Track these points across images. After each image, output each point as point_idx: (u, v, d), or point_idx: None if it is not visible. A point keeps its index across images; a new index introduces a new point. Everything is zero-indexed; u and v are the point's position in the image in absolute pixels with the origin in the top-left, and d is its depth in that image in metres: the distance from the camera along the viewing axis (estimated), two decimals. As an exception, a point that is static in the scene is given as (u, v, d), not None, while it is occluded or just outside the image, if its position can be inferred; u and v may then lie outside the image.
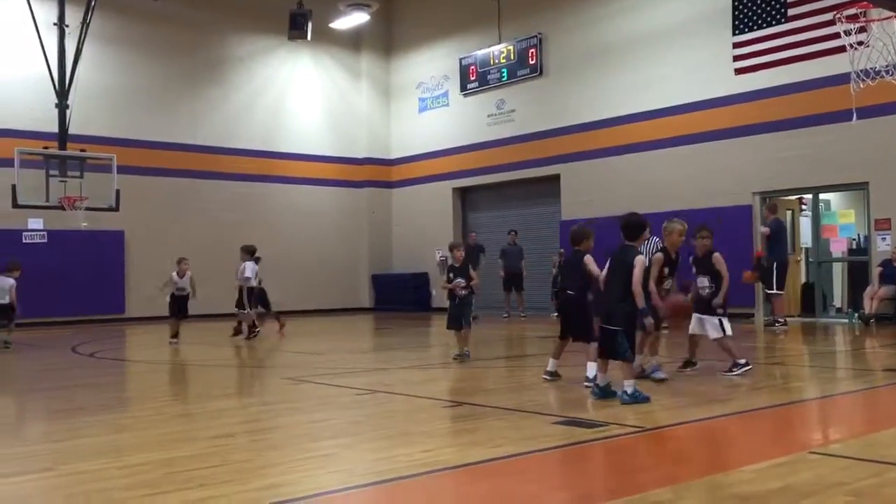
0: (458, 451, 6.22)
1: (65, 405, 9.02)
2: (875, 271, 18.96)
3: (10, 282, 16.88)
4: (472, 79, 29.05)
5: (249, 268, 17.41)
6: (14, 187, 20.18)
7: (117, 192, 21.52)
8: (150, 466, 5.86)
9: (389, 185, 31.40)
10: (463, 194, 29.40)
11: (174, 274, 17.10)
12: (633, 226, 8.83)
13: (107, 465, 5.95)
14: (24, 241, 24.11)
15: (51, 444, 6.86)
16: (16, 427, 8.02)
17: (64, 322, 23.66)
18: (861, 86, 15.73)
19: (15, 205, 20.62)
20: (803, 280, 21.68)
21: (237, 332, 17.78)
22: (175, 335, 16.87)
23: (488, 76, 28.54)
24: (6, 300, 16.72)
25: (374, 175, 31.47)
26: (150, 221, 26.71)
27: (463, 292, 12.65)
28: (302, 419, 7.74)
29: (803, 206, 22.07)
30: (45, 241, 24.52)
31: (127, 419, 8.02)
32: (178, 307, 17.10)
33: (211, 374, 11.81)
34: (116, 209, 21.82)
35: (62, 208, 21.06)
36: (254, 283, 17.47)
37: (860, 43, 15.94)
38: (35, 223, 24.03)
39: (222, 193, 27.71)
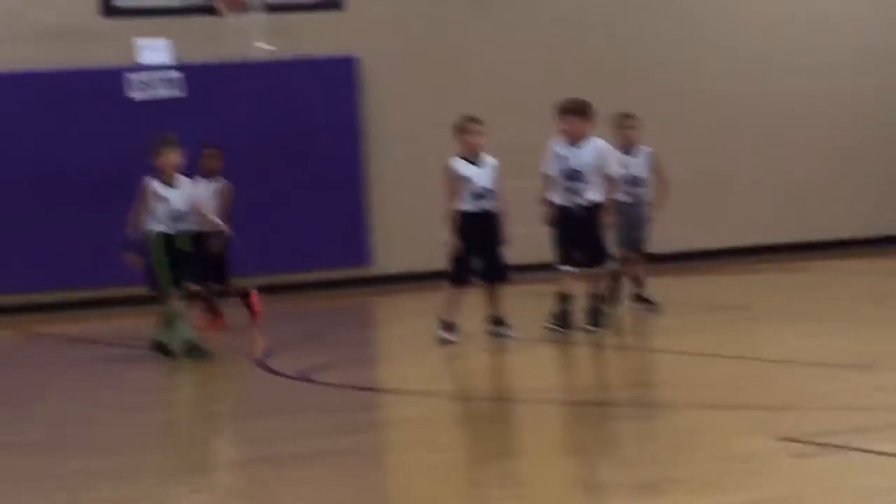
0: None
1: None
2: None
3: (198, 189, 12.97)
4: None
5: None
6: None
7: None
8: None
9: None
10: None
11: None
12: None
13: None
14: (127, 91, 17.55)
15: None
16: None
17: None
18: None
19: (107, 9, 17.49)
20: None
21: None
22: (497, 320, 11.92)
23: None
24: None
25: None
26: (420, 34, 18.13)
27: None
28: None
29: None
30: (182, 92, 17.89)
31: None
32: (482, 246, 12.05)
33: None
34: (338, 5, 18.17)
35: (213, 10, 17.55)
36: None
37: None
38: (153, 51, 17.89)
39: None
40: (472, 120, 11.60)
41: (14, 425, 8.91)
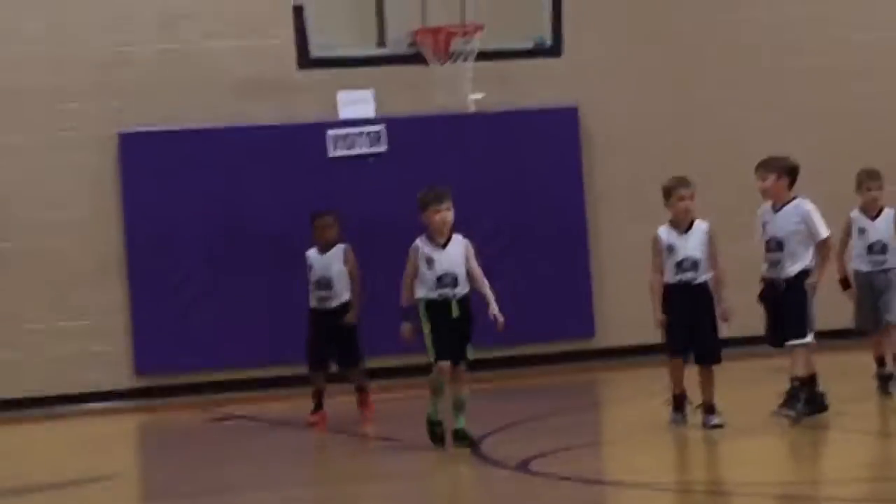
0: None
1: None
2: None
3: (336, 262, 13.70)
4: None
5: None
6: (300, 11, 16.15)
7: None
8: None
9: None
10: None
11: None
12: None
13: None
14: (329, 152, 17.70)
15: None
16: None
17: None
18: None
19: (305, 60, 16.45)
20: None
21: None
22: (707, 407, 11.52)
23: None
24: (342, 298, 13.50)
25: None
26: (647, 82, 18.63)
27: None
28: None
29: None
30: (384, 147, 17.80)
31: None
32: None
33: None
34: (555, 52, 17.06)
35: (420, 59, 16.73)
36: None
37: None
38: (353, 105, 18.00)
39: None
40: (681, 183, 11.19)
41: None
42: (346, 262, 13.60)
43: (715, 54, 18.52)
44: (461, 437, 10.83)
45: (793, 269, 11.07)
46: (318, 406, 13.41)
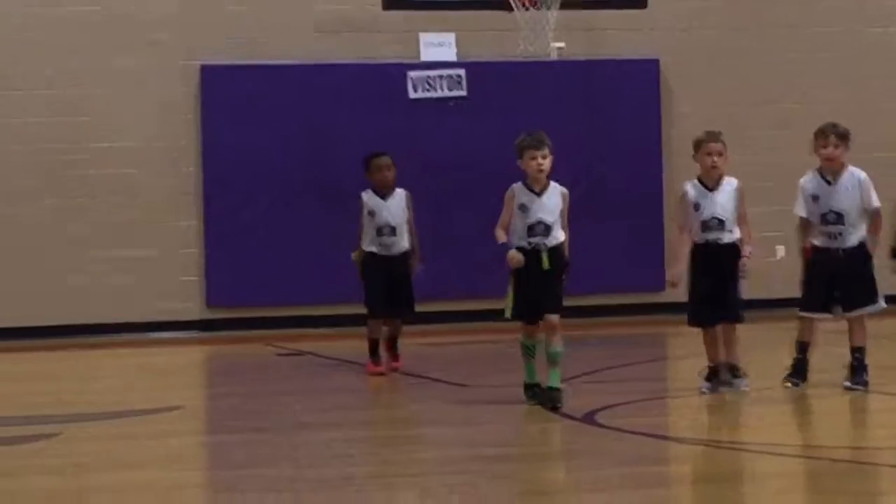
0: None
1: None
2: None
3: (398, 206, 13.12)
4: None
5: None
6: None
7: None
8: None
9: None
10: None
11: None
12: None
13: None
14: (410, 94, 17.89)
15: None
16: None
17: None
18: None
19: (389, 1, 17.16)
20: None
21: None
22: (731, 368, 11.38)
23: None
24: (404, 245, 12.99)
25: None
26: (729, 40, 18.64)
27: None
28: None
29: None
30: (464, 92, 17.81)
31: None
32: None
33: None
34: (640, 3, 17.76)
35: (504, 5, 17.18)
36: None
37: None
38: (435, 48, 18.10)
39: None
40: (711, 137, 10.79)
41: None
42: (409, 207, 13.16)
43: (798, 12, 18.47)
44: (551, 400, 10.36)
45: (855, 238, 10.81)
46: (379, 356, 13.09)
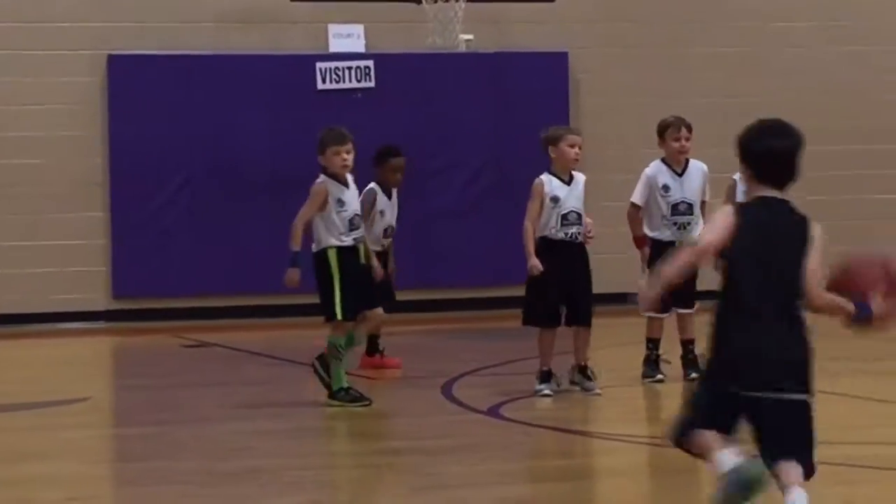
0: None
1: None
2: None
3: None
4: None
5: None
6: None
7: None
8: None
9: None
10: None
11: None
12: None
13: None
14: (318, 84, 17.57)
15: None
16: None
17: (423, 303, 15.73)
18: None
19: None
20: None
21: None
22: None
23: None
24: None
25: None
26: (636, 33, 18.59)
27: None
28: None
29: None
30: (372, 83, 17.74)
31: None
32: None
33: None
34: None
35: None
36: None
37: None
38: (343, 39, 18.08)
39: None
40: (570, 131, 10.89)
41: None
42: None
43: (708, 6, 18.58)
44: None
45: (696, 231, 10.68)
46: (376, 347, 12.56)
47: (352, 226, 10.39)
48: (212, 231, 16.90)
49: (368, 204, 11.80)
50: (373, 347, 12.37)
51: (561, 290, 10.53)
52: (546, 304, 10.62)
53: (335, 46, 17.47)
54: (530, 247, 10.50)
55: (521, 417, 9.89)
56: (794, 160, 5.73)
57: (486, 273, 16.27)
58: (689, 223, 10.81)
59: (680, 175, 10.90)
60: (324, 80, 17.69)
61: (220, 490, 7.53)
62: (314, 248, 10.44)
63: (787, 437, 5.63)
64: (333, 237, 10.29)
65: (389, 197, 12.24)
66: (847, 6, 18.61)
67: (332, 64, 17.37)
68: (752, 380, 5.52)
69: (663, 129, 11.03)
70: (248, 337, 15.55)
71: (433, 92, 17.64)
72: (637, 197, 10.91)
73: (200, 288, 16.77)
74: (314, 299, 10.85)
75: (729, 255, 5.55)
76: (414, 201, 16.85)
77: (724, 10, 18.37)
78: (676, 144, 11.01)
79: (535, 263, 10.35)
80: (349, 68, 17.49)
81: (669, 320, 11.00)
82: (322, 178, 10.56)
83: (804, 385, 5.57)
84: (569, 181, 10.49)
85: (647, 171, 11.00)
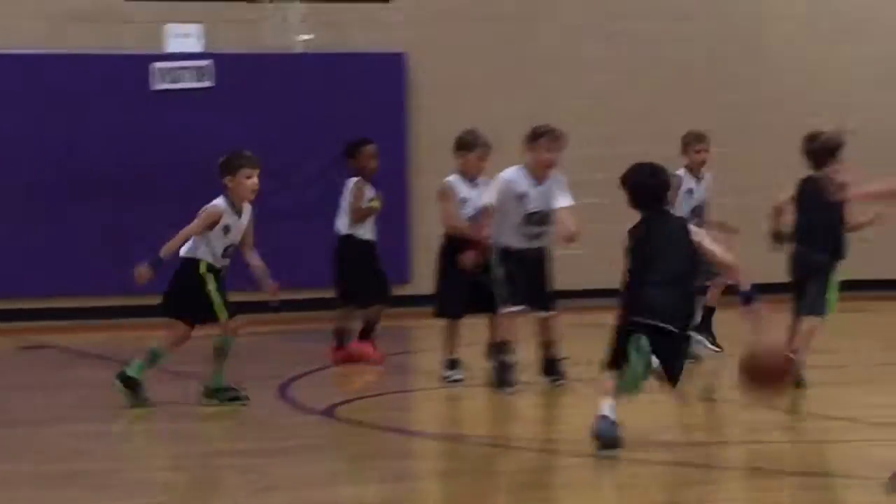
0: None
1: None
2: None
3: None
4: None
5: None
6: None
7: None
8: None
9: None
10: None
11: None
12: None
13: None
14: (152, 84, 17.41)
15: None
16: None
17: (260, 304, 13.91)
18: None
19: None
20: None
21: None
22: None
23: None
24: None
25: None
26: (475, 33, 18.63)
27: None
28: None
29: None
30: (210, 83, 17.59)
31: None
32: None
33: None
34: None
35: None
36: None
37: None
38: (180, 38, 17.87)
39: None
40: (478, 139, 11.21)
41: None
42: None
43: (543, 7, 18.66)
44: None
45: (549, 239, 10.98)
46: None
47: (225, 253, 10.44)
48: (50, 231, 16.65)
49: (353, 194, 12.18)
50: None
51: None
52: (457, 297, 11.18)
53: (173, 46, 17.41)
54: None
55: (357, 418, 9.98)
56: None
57: (323, 274, 16.31)
58: (542, 233, 10.83)
59: (539, 184, 10.78)
60: (161, 81, 17.56)
61: (54, 493, 7.50)
62: (184, 252, 10.39)
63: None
64: (209, 255, 10.32)
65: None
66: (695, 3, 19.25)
67: (169, 64, 17.30)
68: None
69: (536, 137, 10.82)
70: (88, 338, 15.43)
71: (272, 92, 17.65)
72: (490, 198, 10.81)
73: (38, 289, 16.60)
74: (155, 300, 10.85)
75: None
76: (252, 202, 16.88)
77: (561, 8, 18.58)
78: (548, 156, 10.85)
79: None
80: (187, 68, 17.43)
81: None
82: (221, 202, 10.46)
83: None
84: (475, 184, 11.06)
85: (505, 176, 10.84)
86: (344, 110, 17.81)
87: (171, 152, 16.91)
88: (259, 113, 17.52)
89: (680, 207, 11.89)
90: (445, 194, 11.29)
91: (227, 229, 10.46)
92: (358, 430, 9.79)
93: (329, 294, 15.27)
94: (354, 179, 12.52)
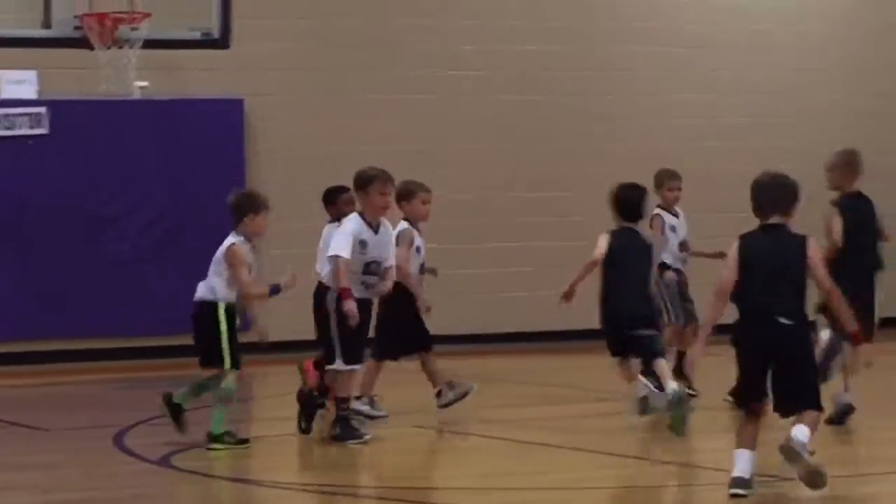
0: None
1: None
2: None
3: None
4: None
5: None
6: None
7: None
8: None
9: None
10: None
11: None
12: None
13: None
14: None
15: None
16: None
17: (97, 352, 15.78)
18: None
19: None
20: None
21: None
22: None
23: None
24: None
25: None
26: (312, 81, 18.21)
27: None
28: None
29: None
30: (45, 130, 17.52)
31: None
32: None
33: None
34: (222, 44, 18.00)
35: (85, 44, 17.21)
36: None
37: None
38: (14, 85, 17.78)
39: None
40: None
41: None
42: None
43: (379, 57, 18.85)
44: None
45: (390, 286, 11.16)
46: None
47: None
48: None
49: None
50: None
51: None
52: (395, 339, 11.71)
53: (7, 93, 17.31)
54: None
55: (191, 467, 9.95)
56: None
57: (159, 322, 16.34)
58: (377, 283, 10.75)
59: (376, 233, 10.69)
60: (-5, 126, 17.65)
61: None
62: (208, 296, 11.13)
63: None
64: (229, 294, 10.98)
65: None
66: (520, 57, 19.43)
67: (3, 111, 17.24)
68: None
69: (366, 183, 10.68)
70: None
71: (108, 139, 17.59)
72: (342, 249, 10.55)
73: None
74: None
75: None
76: (89, 248, 16.78)
77: (402, 57, 18.76)
78: (381, 199, 10.80)
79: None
80: (21, 115, 17.30)
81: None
82: (242, 240, 10.88)
83: None
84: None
85: (351, 225, 10.69)
86: (181, 156, 17.70)
87: (3, 200, 16.81)
88: (95, 159, 17.40)
89: (667, 244, 12.50)
90: (406, 239, 11.55)
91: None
92: (193, 478, 9.74)
93: (164, 342, 15.38)
94: (334, 224, 12.27)
